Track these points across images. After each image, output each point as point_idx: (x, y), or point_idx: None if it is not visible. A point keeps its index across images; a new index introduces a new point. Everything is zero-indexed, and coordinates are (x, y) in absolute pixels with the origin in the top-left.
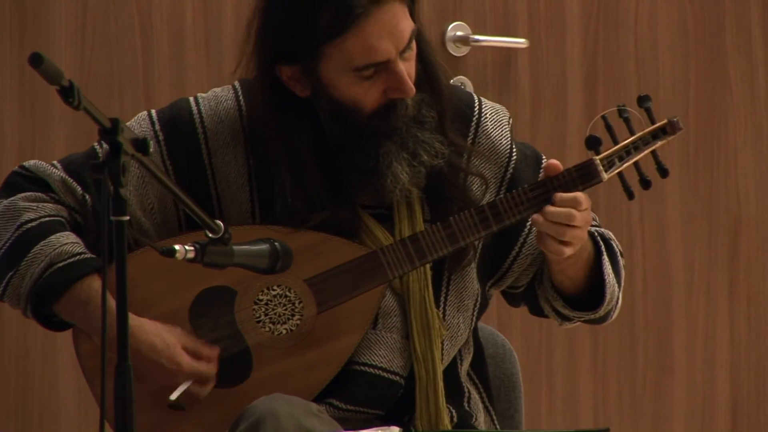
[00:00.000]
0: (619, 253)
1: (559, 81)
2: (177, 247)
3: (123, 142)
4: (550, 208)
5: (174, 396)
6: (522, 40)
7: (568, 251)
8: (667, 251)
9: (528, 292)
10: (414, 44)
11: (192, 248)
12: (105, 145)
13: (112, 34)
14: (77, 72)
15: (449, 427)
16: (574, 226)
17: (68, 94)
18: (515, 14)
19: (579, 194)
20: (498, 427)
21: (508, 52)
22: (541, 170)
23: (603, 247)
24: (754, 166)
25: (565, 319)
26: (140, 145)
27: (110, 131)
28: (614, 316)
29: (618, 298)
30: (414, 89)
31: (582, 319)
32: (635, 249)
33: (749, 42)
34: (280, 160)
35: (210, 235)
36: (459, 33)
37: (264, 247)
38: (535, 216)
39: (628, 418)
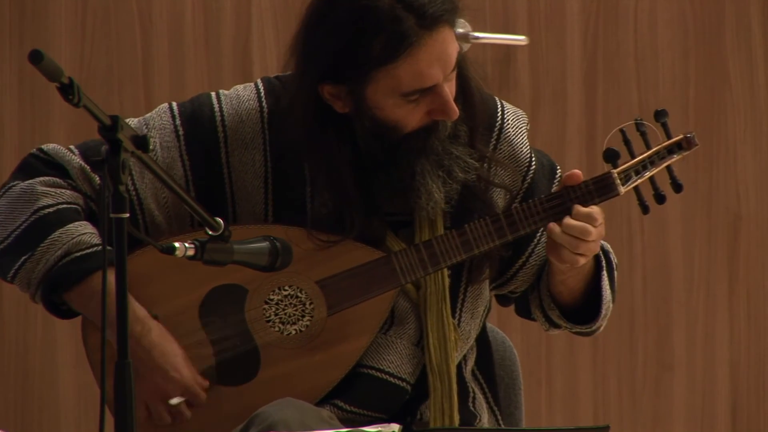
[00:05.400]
0: (615, 266)
1: (559, 78)
2: (177, 244)
3: (123, 140)
4: (568, 221)
5: (174, 401)
6: (522, 37)
7: (582, 261)
8: (666, 248)
9: (520, 294)
10: (456, 65)
11: (192, 246)
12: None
13: (111, 31)
14: (77, 69)
15: None
16: (588, 241)
17: (68, 91)
18: (515, 11)
19: (594, 210)
20: (501, 425)
21: (508, 50)
22: (556, 180)
23: (604, 262)
24: (753, 163)
25: (554, 326)
26: (140, 142)
27: (110, 128)
28: (601, 329)
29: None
30: (457, 112)
31: (573, 330)
32: (635, 246)
33: (749, 39)
34: (319, 173)
35: (210, 232)
36: (458, 30)
37: (264, 244)
38: (552, 225)
39: (628, 415)
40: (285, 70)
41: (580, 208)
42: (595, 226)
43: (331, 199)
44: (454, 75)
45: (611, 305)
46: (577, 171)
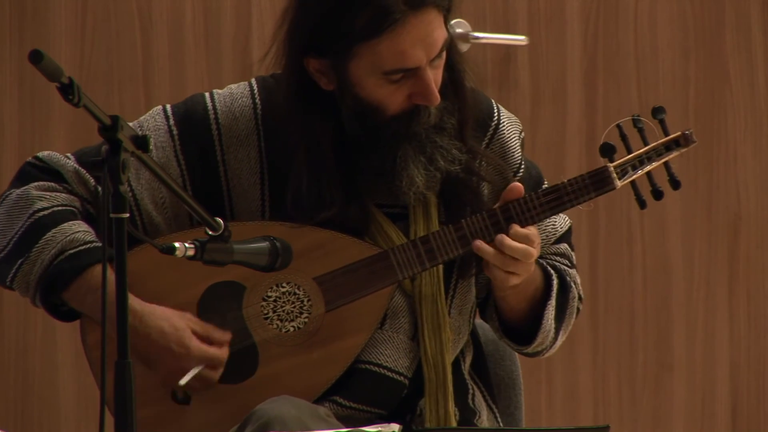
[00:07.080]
0: (577, 297)
1: (559, 78)
2: (177, 244)
3: (123, 140)
4: (509, 242)
5: (183, 381)
6: (522, 37)
7: (514, 280)
8: (666, 248)
9: (484, 311)
10: (444, 53)
11: (192, 246)
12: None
13: (112, 31)
14: (77, 69)
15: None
16: (524, 262)
17: (68, 91)
18: (515, 11)
19: (532, 231)
20: (501, 424)
21: (508, 50)
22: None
23: (555, 292)
24: (753, 163)
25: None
26: (140, 142)
27: (110, 128)
28: (547, 355)
29: (555, 341)
30: (439, 98)
31: (522, 351)
32: (635, 246)
33: (749, 39)
34: (298, 150)
35: (210, 232)
36: (459, 30)
37: (264, 244)
38: (480, 244)
39: (628, 415)
40: (270, 44)
41: (517, 229)
42: (534, 247)
43: (309, 178)
44: (440, 63)
45: (553, 334)
46: (518, 184)
